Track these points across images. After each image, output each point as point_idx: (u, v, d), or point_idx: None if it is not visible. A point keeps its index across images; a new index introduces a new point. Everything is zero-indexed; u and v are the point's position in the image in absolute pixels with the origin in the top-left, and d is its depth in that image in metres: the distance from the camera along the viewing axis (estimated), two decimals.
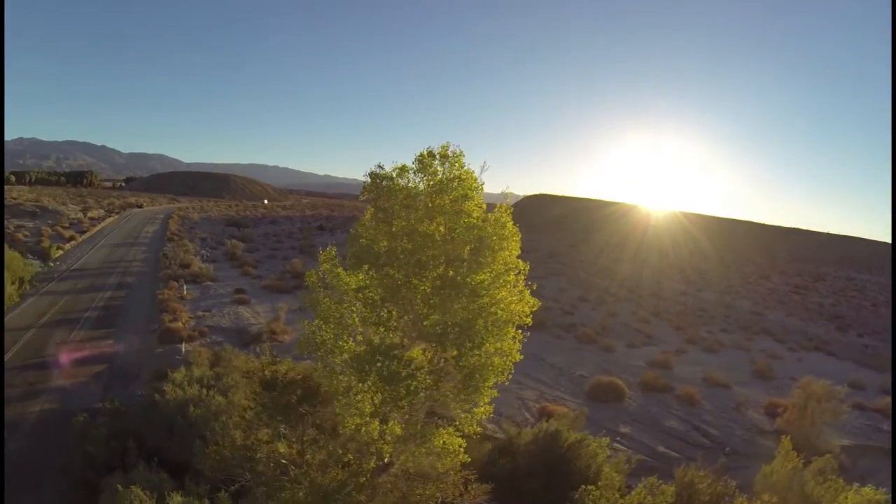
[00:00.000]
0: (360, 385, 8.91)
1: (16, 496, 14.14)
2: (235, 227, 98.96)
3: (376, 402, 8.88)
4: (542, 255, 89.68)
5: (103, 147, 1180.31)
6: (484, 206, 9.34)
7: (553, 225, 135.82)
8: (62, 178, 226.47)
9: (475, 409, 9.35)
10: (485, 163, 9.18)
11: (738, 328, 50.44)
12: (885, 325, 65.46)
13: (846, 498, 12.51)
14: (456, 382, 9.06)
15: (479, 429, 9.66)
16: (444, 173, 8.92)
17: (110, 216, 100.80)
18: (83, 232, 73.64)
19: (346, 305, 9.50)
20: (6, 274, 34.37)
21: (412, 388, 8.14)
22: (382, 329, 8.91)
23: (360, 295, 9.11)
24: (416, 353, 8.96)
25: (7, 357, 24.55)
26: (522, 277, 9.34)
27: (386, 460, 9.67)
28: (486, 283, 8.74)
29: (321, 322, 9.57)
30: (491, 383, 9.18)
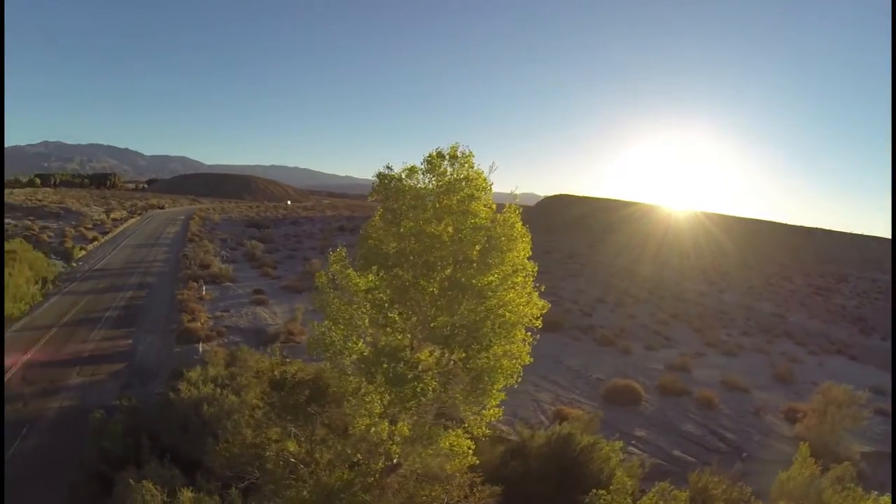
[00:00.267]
0: (369, 386, 8.93)
1: (32, 489, 14.46)
2: (256, 227, 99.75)
3: (384, 402, 8.89)
4: (562, 255, 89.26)
5: (126, 150, 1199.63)
6: (493, 206, 9.30)
7: (573, 225, 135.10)
8: (86, 181, 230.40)
9: (484, 412, 9.32)
10: (493, 163, 9.14)
11: (758, 331, 49.66)
12: None
13: None
14: (464, 385, 9.03)
15: (487, 431, 9.61)
16: (452, 174, 8.91)
17: (132, 217, 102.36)
18: (106, 233, 74.86)
19: (355, 306, 9.52)
20: (29, 274, 35.10)
21: (419, 389, 8.12)
22: (389, 330, 8.91)
23: (369, 296, 9.13)
24: (424, 354, 8.95)
25: (29, 355, 25.05)
26: (531, 279, 9.27)
27: (395, 461, 9.68)
28: (494, 284, 8.68)
29: (330, 323, 9.60)
30: (500, 386, 9.12)
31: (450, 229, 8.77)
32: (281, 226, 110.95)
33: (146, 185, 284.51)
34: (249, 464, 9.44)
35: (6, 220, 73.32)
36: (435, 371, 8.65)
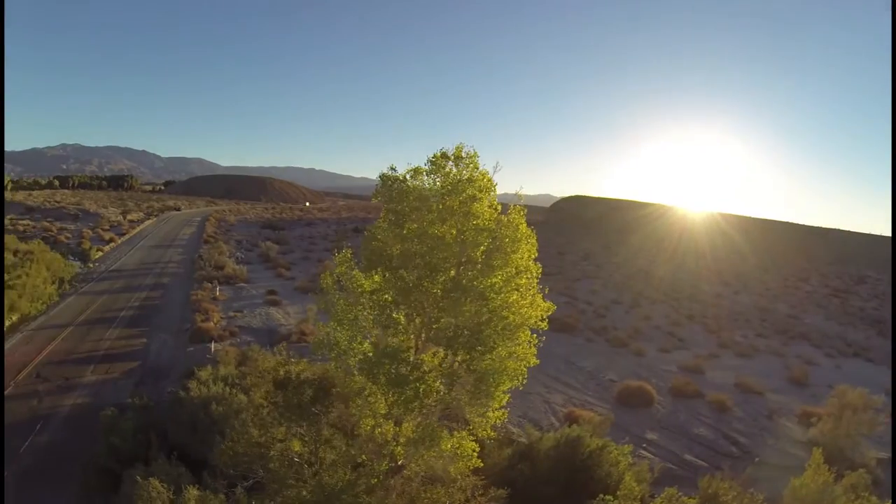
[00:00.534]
0: (373, 386, 8.92)
1: (42, 484, 14.66)
2: (271, 229, 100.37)
3: (389, 403, 8.87)
4: (577, 256, 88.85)
5: (143, 152, 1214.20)
6: (499, 207, 9.24)
7: (588, 226, 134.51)
8: (104, 182, 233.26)
9: (488, 414, 9.26)
10: (497, 163, 9.10)
11: (774, 332, 48.99)
12: None
13: None
14: (469, 387, 8.98)
15: (493, 433, 9.55)
16: (456, 174, 8.86)
17: (149, 219, 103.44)
18: (122, 234, 75.74)
19: (360, 307, 9.52)
20: (45, 274, 35.60)
21: (421, 390, 8.09)
22: (392, 331, 8.89)
23: (374, 297, 9.12)
24: (427, 356, 8.92)
25: (44, 354, 25.42)
26: (536, 281, 9.19)
27: (399, 463, 9.66)
28: (497, 286, 8.62)
29: (336, 324, 9.61)
30: (506, 388, 9.07)
31: (453, 231, 8.72)
32: (296, 227, 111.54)
33: (163, 187, 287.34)
34: (254, 463, 9.47)
35: (26, 222, 74.51)
36: (437, 372, 8.61)
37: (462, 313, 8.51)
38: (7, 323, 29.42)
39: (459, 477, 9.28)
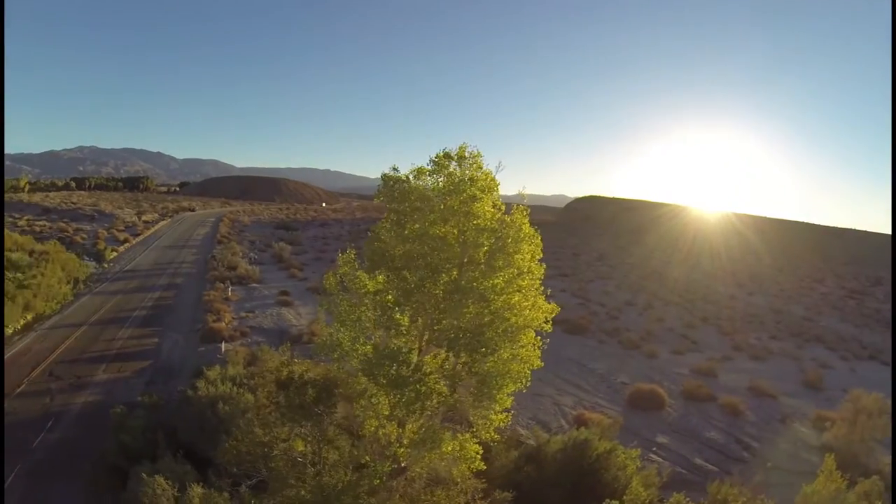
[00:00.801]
0: (374, 388, 8.89)
1: (52, 480, 14.85)
2: (284, 230, 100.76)
3: (391, 404, 8.83)
4: (591, 257, 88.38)
5: (159, 153, 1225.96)
6: (503, 207, 9.17)
7: (603, 227, 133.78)
8: (119, 184, 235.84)
9: (491, 416, 9.19)
10: (500, 163, 9.04)
11: (788, 335, 48.31)
12: None
13: None
14: (472, 389, 8.92)
15: (496, 436, 9.48)
16: (458, 174, 8.81)
17: (164, 220, 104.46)
18: (137, 235, 76.58)
19: (363, 308, 9.49)
20: (60, 274, 36.02)
21: (421, 392, 8.04)
22: (394, 333, 8.85)
23: (376, 298, 9.09)
24: (429, 358, 8.87)
25: (57, 352, 25.72)
26: (538, 282, 9.10)
27: (403, 464, 9.61)
28: (499, 287, 8.55)
29: (339, 325, 9.59)
30: (509, 390, 8.99)
31: (455, 231, 8.67)
32: (310, 228, 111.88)
33: (178, 188, 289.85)
34: (257, 461, 9.48)
35: (42, 223, 75.53)
36: (439, 374, 8.55)
37: (463, 315, 8.45)
38: (22, 321, 29.84)
39: (461, 479, 9.20)
